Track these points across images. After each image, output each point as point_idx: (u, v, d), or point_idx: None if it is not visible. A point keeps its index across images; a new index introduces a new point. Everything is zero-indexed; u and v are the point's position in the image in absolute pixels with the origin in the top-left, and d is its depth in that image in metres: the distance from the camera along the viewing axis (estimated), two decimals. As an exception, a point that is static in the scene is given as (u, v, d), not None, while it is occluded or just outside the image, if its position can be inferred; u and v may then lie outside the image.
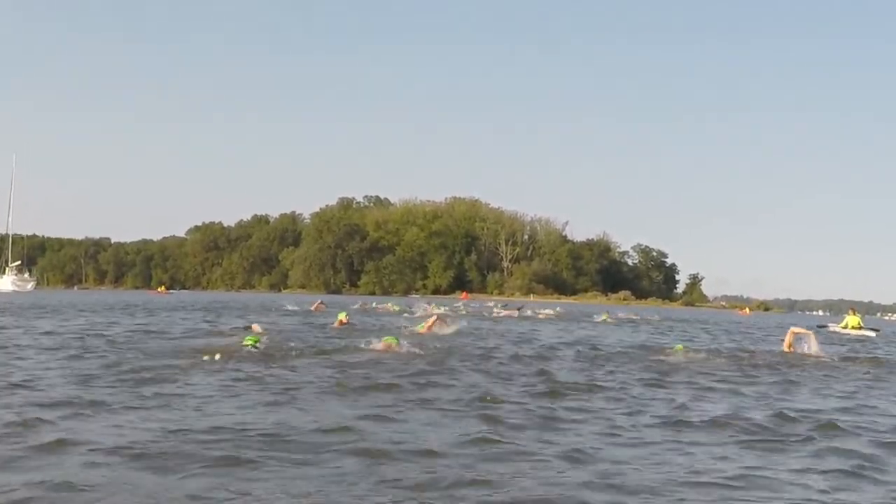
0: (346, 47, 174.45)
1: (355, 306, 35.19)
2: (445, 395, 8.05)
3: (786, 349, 15.70)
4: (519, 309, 35.97)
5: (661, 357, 13.37)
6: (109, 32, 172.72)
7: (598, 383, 9.48)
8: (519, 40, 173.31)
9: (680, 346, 15.02)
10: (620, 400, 8.22)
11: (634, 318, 36.98)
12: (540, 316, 34.08)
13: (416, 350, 12.49)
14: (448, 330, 18.20)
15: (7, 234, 72.80)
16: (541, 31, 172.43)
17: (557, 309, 39.73)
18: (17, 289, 63.98)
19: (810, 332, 16.52)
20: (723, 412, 7.52)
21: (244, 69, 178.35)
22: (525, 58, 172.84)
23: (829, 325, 33.91)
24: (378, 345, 13.01)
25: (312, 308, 31.88)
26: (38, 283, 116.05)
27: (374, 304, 39.14)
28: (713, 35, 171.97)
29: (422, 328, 17.95)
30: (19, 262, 71.76)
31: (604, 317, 33.79)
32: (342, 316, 20.82)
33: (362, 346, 13.08)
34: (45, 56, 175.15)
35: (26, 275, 71.49)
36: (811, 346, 15.37)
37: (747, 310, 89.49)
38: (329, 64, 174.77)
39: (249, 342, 12.42)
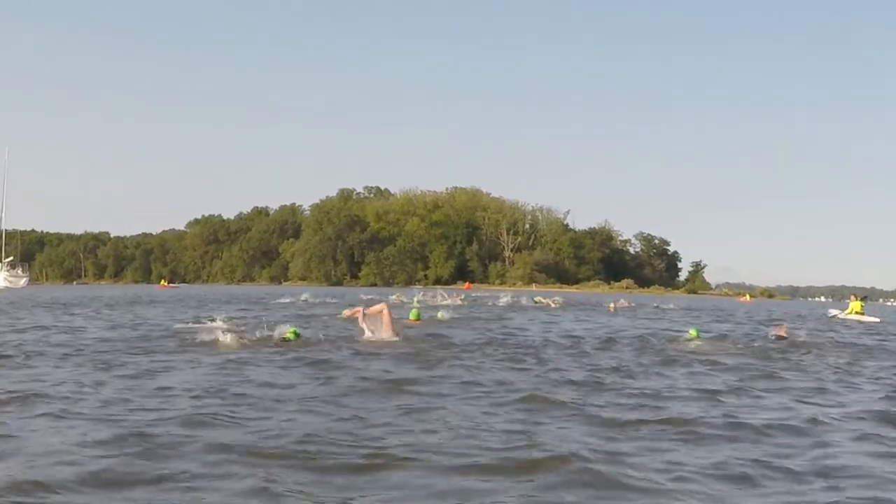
0: (346, 41, 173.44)
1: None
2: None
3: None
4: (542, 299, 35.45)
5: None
6: (108, 27, 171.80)
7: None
8: (519, 31, 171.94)
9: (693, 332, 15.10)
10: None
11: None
12: (552, 305, 33.30)
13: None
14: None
15: (0, 230, 71.81)
16: (540, 23, 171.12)
17: (556, 298, 38.87)
18: (9, 285, 63.00)
19: None
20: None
21: (244, 63, 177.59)
22: (525, 48, 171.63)
23: (831, 311, 33.73)
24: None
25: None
26: (36, 279, 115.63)
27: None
28: (714, 25, 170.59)
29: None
30: (12, 258, 70.79)
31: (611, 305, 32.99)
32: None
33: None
34: (42, 51, 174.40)
35: (19, 270, 70.49)
36: None
37: (748, 297, 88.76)
38: (329, 57, 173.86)
39: (290, 335, 11.88)
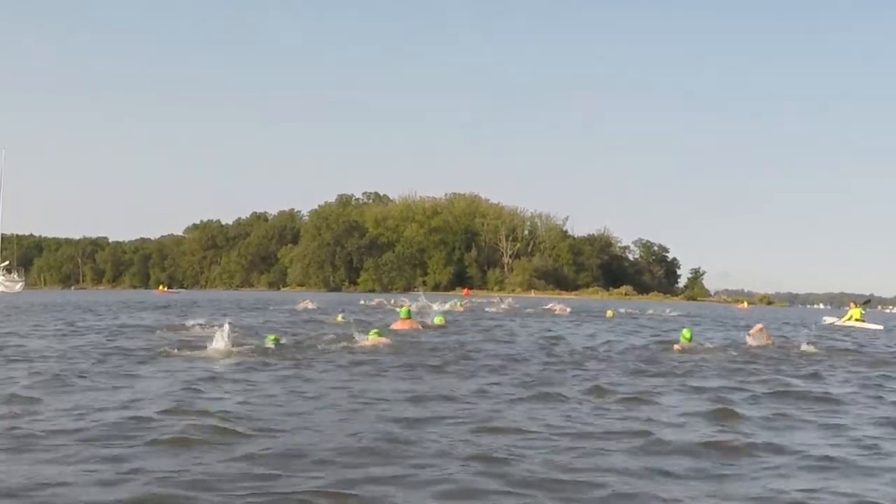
0: (343, 45, 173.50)
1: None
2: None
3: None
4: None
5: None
6: (108, 27, 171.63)
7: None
8: (517, 34, 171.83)
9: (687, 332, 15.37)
10: None
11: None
12: (556, 311, 33.23)
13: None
14: None
15: (-3, 234, 71.41)
16: (539, 25, 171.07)
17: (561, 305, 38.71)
18: (5, 290, 62.67)
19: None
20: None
21: (241, 67, 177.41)
22: (523, 52, 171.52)
23: (826, 318, 32.12)
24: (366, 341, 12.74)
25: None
26: (34, 283, 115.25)
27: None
28: (713, 28, 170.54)
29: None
30: (8, 263, 70.47)
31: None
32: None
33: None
34: (41, 53, 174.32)
35: (15, 275, 70.16)
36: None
37: (745, 304, 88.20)
38: (326, 62, 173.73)
39: (271, 341, 12.40)
